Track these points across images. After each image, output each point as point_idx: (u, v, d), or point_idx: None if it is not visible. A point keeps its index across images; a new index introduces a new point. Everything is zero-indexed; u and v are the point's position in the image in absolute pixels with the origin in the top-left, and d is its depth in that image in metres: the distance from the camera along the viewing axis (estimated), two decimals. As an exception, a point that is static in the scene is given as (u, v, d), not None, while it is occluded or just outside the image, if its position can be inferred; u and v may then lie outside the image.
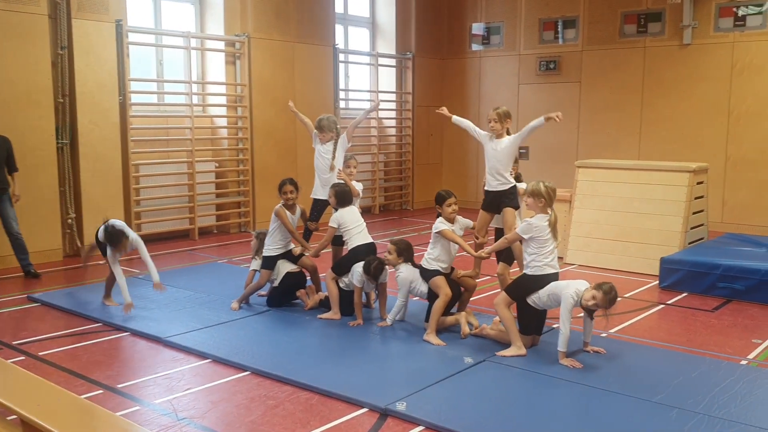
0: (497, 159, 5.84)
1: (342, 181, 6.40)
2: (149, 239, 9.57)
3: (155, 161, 9.64)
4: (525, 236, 5.13)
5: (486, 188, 6.00)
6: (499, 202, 5.88)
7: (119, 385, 4.64)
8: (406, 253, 5.77)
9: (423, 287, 5.66)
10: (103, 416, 3.32)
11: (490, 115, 5.86)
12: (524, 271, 5.22)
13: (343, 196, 6.16)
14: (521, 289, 5.18)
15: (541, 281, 5.09)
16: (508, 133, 5.92)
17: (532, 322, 5.25)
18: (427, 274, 5.62)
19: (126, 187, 9.16)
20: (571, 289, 4.92)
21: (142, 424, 4.03)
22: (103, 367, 4.98)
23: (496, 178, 5.87)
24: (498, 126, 5.84)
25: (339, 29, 12.37)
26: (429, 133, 13.83)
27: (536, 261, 5.10)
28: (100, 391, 4.53)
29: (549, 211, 5.12)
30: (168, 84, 10.28)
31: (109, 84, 8.85)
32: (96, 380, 4.73)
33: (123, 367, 5.01)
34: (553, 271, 5.12)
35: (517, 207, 5.90)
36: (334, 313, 6.02)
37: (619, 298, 4.98)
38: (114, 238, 6.14)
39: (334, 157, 6.60)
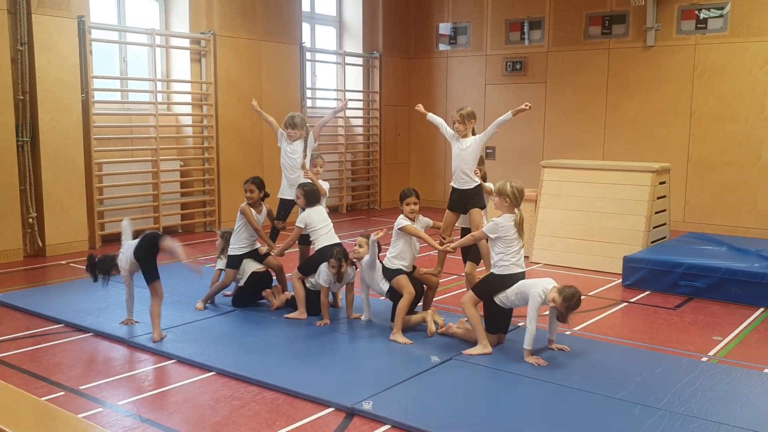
0: (462, 159, 5.87)
1: (309, 181, 6.37)
2: (112, 239, 9.46)
3: (119, 159, 9.51)
4: (492, 235, 5.16)
5: (452, 185, 6.03)
6: (465, 201, 5.91)
7: (81, 387, 4.57)
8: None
9: (384, 285, 5.66)
10: (64, 418, 3.25)
11: (454, 116, 5.89)
12: (491, 271, 5.25)
13: (311, 195, 6.13)
14: (488, 288, 5.21)
15: (508, 280, 5.12)
16: (474, 133, 5.94)
17: (499, 320, 5.28)
18: (389, 274, 5.62)
19: (89, 186, 9.02)
20: (539, 287, 4.96)
21: (104, 426, 3.98)
22: (64, 369, 4.90)
23: (461, 177, 5.90)
24: (461, 127, 5.86)
25: (306, 27, 12.32)
26: (396, 132, 13.85)
27: (503, 260, 5.13)
28: (62, 393, 4.46)
29: (515, 211, 5.16)
30: (132, 82, 10.13)
31: (71, 81, 8.70)
32: (57, 382, 4.65)
33: (85, 369, 4.93)
34: (519, 270, 5.16)
35: (483, 206, 5.94)
36: (300, 313, 6.00)
37: (579, 305, 4.97)
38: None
39: (305, 156, 6.56)
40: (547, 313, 5.19)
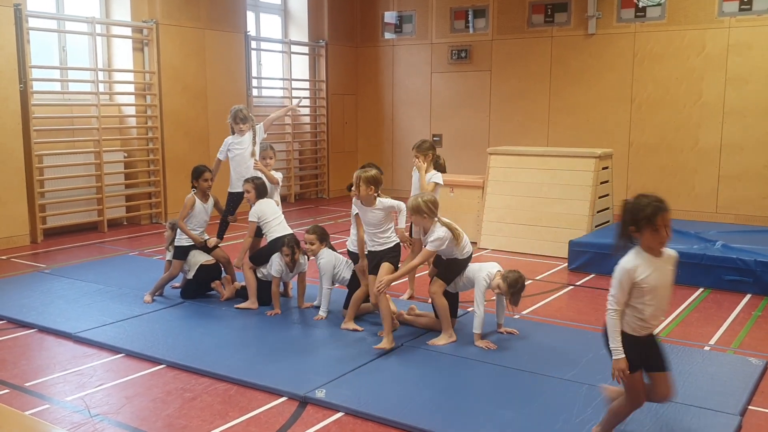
0: (372, 224, 5.30)
1: (257, 175, 6.27)
2: (55, 232, 9.26)
3: (60, 151, 9.27)
4: (442, 248, 5.06)
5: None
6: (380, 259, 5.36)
7: (27, 384, 4.47)
8: (325, 238, 5.77)
9: (346, 273, 5.68)
10: (9, 415, 3.19)
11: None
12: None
13: (261, 189, 6.10)
14: (451, 271, 5.22)
15: (464, 261, 5.20)
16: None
17: (452, 300, 5.33)
18: (355, 258, 5.65)
19: (29, 179, 8.77)
20: (484, 272, 5.06)
21: (53, 422, 3.91)
22: (8, 366, 4.78)
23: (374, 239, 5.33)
24: (364, 192, 5.14)
25: (250, 16, 12.18)
26: (344, 121, 13.82)
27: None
28: (6, 391, 4.36)
29: (435, 219, 5.05)
30: (72, 71, 9.87)
31: (7, 71, 8.44)
32: (1, 379, 4.54)
33: (31, 365, 4.82)
34: (472, 249, 5.26)
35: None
36: (251, 303, 5.96)
37: (524, 289, 5.07)
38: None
39: (255, 143, 6.46)
40: (495, 298, 5.28)
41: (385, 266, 5.13)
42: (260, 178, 6.21)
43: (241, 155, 6.45)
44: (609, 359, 3.40)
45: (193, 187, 6.27)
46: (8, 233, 8.54)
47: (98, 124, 9.51)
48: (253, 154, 6.43)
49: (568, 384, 4.38)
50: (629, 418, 3.87)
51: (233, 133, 6.51)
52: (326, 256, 5.71)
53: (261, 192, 6.10)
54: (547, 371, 4.58)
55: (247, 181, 6.16)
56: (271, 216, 6.02)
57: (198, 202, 6.21)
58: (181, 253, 6.21)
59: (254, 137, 6.49)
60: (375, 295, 5.12)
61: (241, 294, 6.17)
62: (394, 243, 5.28)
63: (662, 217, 3.27)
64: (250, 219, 6.03)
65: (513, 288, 4.97)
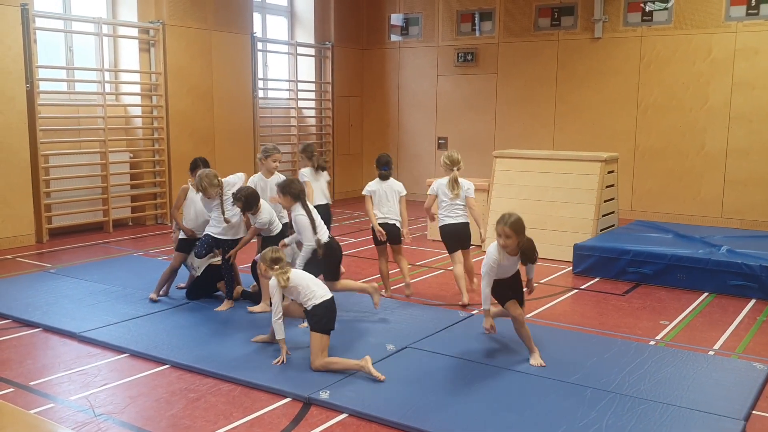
0: None
1: (245, 187, 5.95)
2: (61, 232, 9.29)
3: (66, 151, 9.30)
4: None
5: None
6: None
7: (32, 383, 4.48)
8: (288, 189, 5.44)
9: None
10: (14, 414, 3.19)
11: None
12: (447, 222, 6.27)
13: (250, 198, 5.75)
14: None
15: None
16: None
17: (503, 289, 4.95)
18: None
19: (35, 178, 8.80)
20: (490, 249, 4.77)
21: (57, 421, 3.92)
22: (13, 365, 4.80)
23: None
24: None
25: (257, 17, 12.20)
26: (349, 123, 13.83)
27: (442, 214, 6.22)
28: (11, 390, 4.37)
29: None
30: (79, 72, 9.90)
31: (14, 71, 8.47)
32: (6, 378, 4.55)
33: (35, 364, 4.83)
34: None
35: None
36: (266, 306, 5.81)
37: (523, 225, 4.70)
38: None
39: (223, 212, 5.88)
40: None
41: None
42: (244, 189, 5.82)
43: (205, 221, 6.09)
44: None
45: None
46: (14, 233, 8.56)
47: (104, 124, 9.53)
48: (227, 221, 5.90)
49: (572, 387, 4.37)
50: (632, 423, 3.86)
51: None
52: (298, 210, 5.45)
53: (251, 201, 5.77)
54: (551, 375, 4.57)
55: (237, 199, 5.74)
56: (273, 214, 6.02)
57: (192, 191, 6.15)
58: (185, 245, 6.18)
59: (222, 205, 5.90)
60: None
61: (247, 296, 6.17)
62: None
63: None
64: (259, 225, 5.85)
65: (509, 220, 4.61)
